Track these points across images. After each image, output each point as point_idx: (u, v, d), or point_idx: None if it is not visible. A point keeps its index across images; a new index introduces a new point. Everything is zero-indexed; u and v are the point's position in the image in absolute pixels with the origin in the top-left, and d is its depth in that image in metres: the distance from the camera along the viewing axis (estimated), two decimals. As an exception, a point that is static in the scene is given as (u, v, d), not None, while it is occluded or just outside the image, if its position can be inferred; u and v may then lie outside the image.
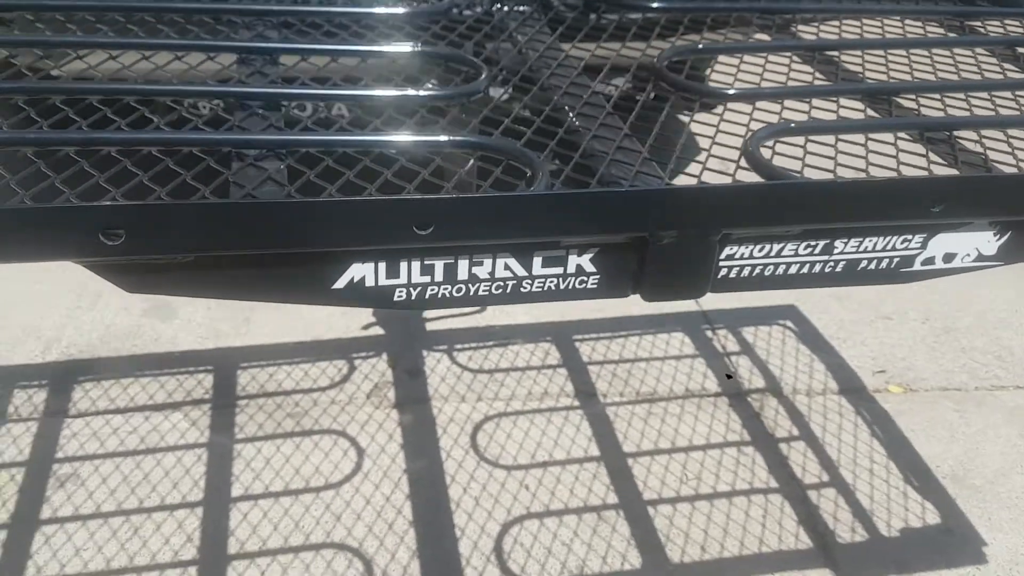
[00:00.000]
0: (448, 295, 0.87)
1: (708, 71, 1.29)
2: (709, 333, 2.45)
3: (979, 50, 1.42)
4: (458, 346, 2.33)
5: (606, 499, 1.92)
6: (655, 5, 1.50)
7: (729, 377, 2.28)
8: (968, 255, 1.00)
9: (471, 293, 0.87)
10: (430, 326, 2.39)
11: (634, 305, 2.48)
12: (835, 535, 1.87)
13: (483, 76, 1.17)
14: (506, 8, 1.50)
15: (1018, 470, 2.06)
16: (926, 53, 1.39)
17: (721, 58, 1.34)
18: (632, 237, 0.89)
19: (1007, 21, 1.60)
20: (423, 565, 1.75)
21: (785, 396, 2.24)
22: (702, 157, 1.00)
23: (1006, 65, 1.41)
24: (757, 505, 1.93)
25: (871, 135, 1.08)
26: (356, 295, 0.83)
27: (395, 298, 0.85)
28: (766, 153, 1.00)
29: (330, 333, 2.33)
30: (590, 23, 1.45)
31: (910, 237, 0.97)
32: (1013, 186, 0.96)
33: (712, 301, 2.52)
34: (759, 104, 1.12)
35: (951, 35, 1.50)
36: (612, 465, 2.00)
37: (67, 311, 2.35)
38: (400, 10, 1.43)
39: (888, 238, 0.96)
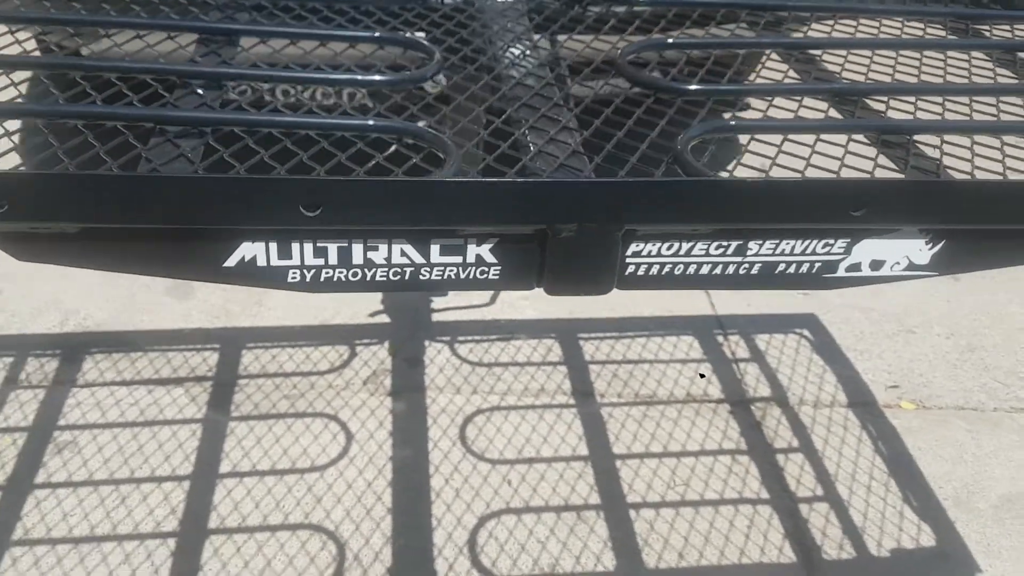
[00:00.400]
0: (344, 279, 0.87)
1: (683, 66, 1.27)
2: (720, 338, 2.41)
3: (974, 53, 1.36)
4: (461, 338, 2.33)
5: (588, 499, 1.90)
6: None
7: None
8: (898, 263, 0.96)
9: (367, 278, 0.87)
10: (436, 317, 2.40)
11: (645, 305, 2.46)
12: (822, 551, 1.82)
13: (433, 63, 1.17)
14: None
15: (1027, 497, 1.97)
16: (914, 55, 1.34)
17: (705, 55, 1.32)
18: (533, 229, 0.88)
19: (1015, 25, 1.53)
20: (395, 552, 1.76)
21: (790, 406, 2.18)
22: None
23: (1000, 70, 1.35)
24: (743, 515, 1.88)
25: (824, 136, 1.05)
26: (248, 274, 0.84)
27: (288, 279, 0.85)
28: (700, 150, 0.97)
29: (337, 319, 2.36)
30: (568, 15, 1.44)
31: (832, 241, 0.93)
32: (941, 193, 0.91)
33: (727, 305, 2.48)
34: (720, 101, 1.10)
35: (946, 37, 1.44)
36: (599, 466, 1.98)
37: (90, 286, 2.42)
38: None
39: (807, 241, 0.92)
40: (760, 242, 0.92)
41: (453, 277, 0.89)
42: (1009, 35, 1.49)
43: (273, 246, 0.83)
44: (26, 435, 1.96)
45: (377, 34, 1.26)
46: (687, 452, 2.03)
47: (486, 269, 0.90)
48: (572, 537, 1.81)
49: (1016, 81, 1.26)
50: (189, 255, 0.83)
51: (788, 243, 0.92)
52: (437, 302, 2.43)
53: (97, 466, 1.89)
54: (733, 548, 1.81)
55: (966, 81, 1.22)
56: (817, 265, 0.94)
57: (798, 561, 1.79)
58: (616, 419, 2.11)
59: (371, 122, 0.96)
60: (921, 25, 1.50)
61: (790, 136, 1.04)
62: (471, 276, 0.90)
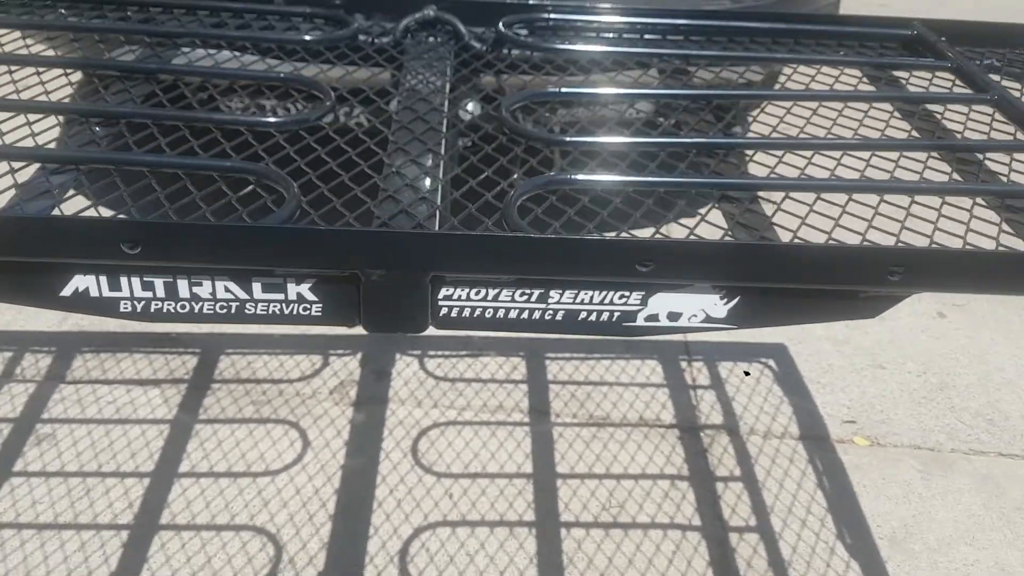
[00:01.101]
0: (173, 311, 0.97)
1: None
2: (684, 364, 2.45)
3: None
4: (432, 352, 2.43)
5: (523, 516, 1.97)
6: (560, 47, 1.55)
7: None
8: (695, 316, 1.01)
9: (195, 311, 0.97)
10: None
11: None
12: (744, 581, 1.86)
13: (326, 104, 1.26)
14: (414, 38, 1.59)
15: (966, 540, 1.97)
16: (810, 106, 1.38)
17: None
18: (347, 272, 0.96)
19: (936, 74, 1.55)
20: (329, 557, 1.86)
21: (739, 436, 2.21)
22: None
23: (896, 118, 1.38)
24: (671, 540, 1.93)
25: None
26: (83, 304, 0.94)
27: (121, 309, 0.96)
28: (527, 204, 1.04)
29: (316, 328, 2.48)
30: (483, 59, 1.52)
31: (627, 294, 0.99)
32: (724, 253, 0.97)
33: (704, 336, 2.52)
34: (591, 152, 1.17)
35: (844, 87, 1.48)
36: (540, 483, 2.05)
37: (92, 287, 2.59)
38: (306, 36, 1.54)
39: (604, 292, 0.99)
40: (560, 291, 0.99)
41: (277, 312, 0.98)
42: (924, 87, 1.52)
43: (103, 279, 0.94)
44: (11, 426, 2.13)
45: (282, 75, 1.36)
46: (628, 475, 2.09)
47: (308, 306, 0.99)
48: (500, 552, 1.89)
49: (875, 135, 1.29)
50: (28, 285, 0.94)
51: (586, 293, 0.99)
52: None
53: (69, 459, 2.04)
54: (655, 572, 1.86)
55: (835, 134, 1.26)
56: (616, 314, 1.00)
57: (717, 589, 1.84)
58: (566, 439, 2.18)
59: (227, 163, 1.06)
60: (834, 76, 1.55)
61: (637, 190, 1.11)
62: (294, 312, 0.99)
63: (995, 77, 1.51)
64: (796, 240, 1.00)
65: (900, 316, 2.66)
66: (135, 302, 0.96)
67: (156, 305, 0.96)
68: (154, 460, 2.05)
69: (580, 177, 1.08)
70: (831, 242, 1.00)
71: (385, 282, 0.96)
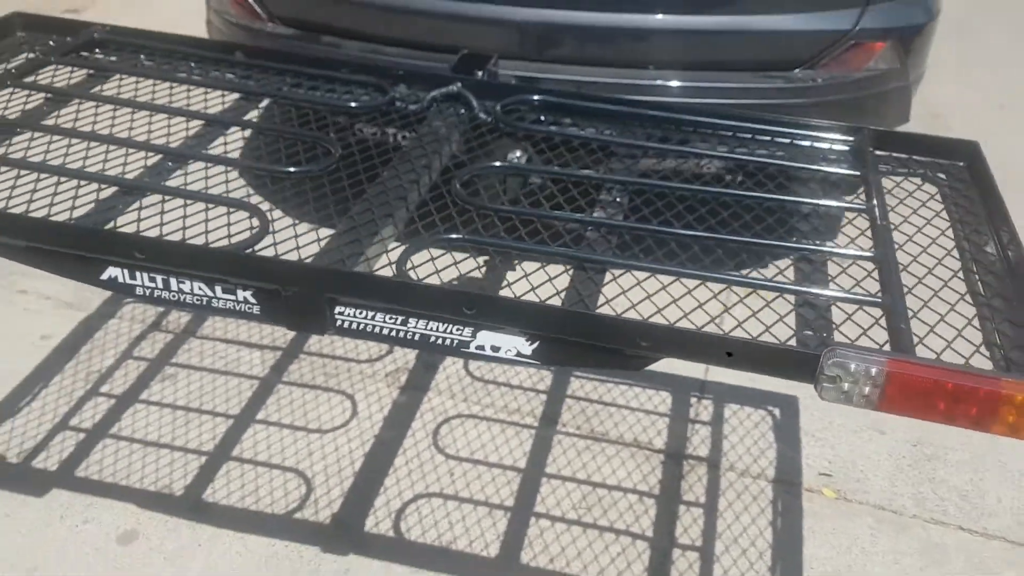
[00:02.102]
0: (169, 298, 1.48)
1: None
2: (694, 400, 2.74)
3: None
4: (477, 357, 2.87)
5: (504, 501, 2.38)
6: (533, 127, 1.95)
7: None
8: (511, 350, 1.39)
9: (181, 300, 1.47)
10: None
11: (642, 360, 2.85)
12: (670, 589, 2.17)
13: (332, 159, 1.75)
14: (437, 108, 2.04)
15: (889, 596, 2.17)
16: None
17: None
18: (272, 286, 1.43)
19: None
20: (344, 503, 2.35)
21: (717, 469, 2.50)
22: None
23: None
24: (620, 544, 2.27)
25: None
26: (112, 286, 1.47)
27: (136, 292, 1.48)
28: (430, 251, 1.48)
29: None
30: (483, 132, 1.95)
31: (462, 328, 1.39)
32: (523, 309, 1.34)
33: (720, 373, 2.80)
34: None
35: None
36: (527, 478, 2.44)
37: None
38: (351, 103, 2.03)
39: (447, 325, 1.40)
40: (416, 320, 1.41)
41: (231, 308, 1.47)
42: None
43: (125, 272, 1.46)
44: (148, 364, 2.79)
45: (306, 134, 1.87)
46: (604, 484, 2.44)
47: (251, 306, 1.47)
48: (476, 525, 2.30)
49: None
50: (82, 270, 1.48)
51: (433, 324, 1.40)
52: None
53: (181, 396, 2.67)
54: (597, 566, 2.21)
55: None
56: (455, 341, 1.41)
57: (645, 590, 2.16)
58: (562, 446, 2.56)
59: (226, 197, 1.57)
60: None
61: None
62: (241, 310, 1.47)
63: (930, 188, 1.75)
64: (577, 308, 1.37)
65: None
66: (145, 288, 1.48)
67: (158, 293, 1.48)
68: (240, 406, 2.64)
69: (453, 236, 1.50)
70: (605, 312, 1.36)
71: (295, 296, 1.42)
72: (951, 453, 2.59)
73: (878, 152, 1.91)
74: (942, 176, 1.84)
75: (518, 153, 2.14)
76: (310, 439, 2.54)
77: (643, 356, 1.35)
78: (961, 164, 1.87)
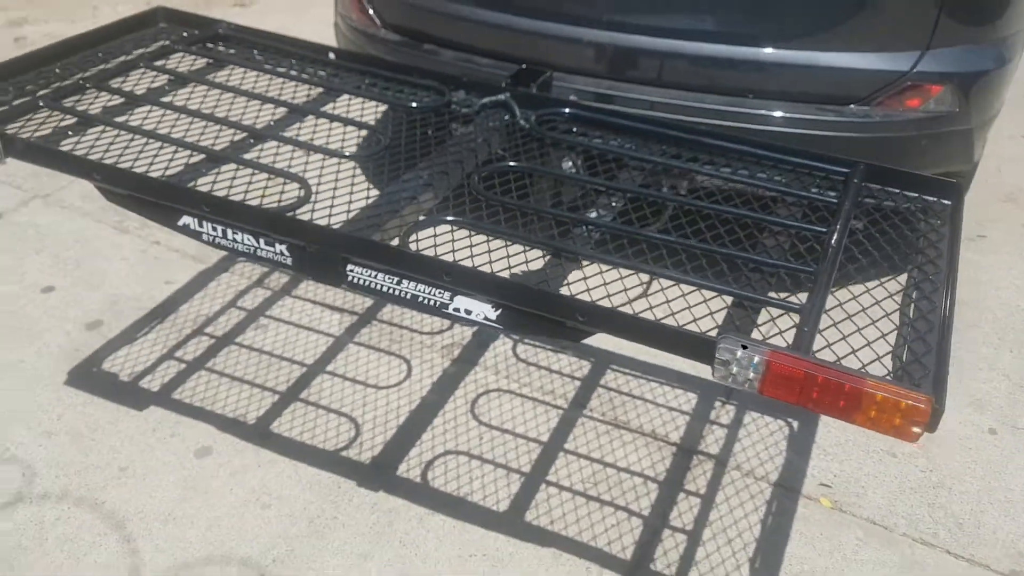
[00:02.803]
0: (226, 245, 1.85)
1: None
2: (718, 404, 2.94)
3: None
4: (526, 341, 3.17)
5: (520, 467, 2.66)
6: (577, 139, 2.23)
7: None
8: (480, 314, 1.69)
9: (235, 248, 1.85)
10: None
11: (679, 361, 3.06)
12: (652, 563, 2.39)
13: (384, 142, 2.10)
14: (485, 113, 2.35)
15: (856, 599, 2.31)
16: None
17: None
18: (301, 243, 1.78)
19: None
20: (384, 449, 2.70)
21: (723, 466, 2.69)
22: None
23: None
24: (616, 518, 2.51)
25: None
26: (187, 232, 1.87)
27: (203, 238, 1.86)
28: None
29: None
30: (517, 132, 2.25)
31: (442, 292, 1.70)
32: (485, 280, 1.63)
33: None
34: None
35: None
36: (545, 451, 2.72)
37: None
38: (412, 103, 2.37)
39: (430, 288, 1.70)
40: (408, 281, 1.72)
41: (271, 258, 1.83)
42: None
43: (195, 220, 1.85)
44: (246, 315, 3.23)
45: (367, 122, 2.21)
46: (613, 465, 2.68)
47: (285, 258, 1.82)
48: (492, 484, 2.60)
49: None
50: (165, 215, 1.88)
51: (420, 287, 1.71)
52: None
53: (266, 342, 3.10)
54: (590, 533, 2.47)
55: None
56: (438, 302, 1.71)
57: (627, 559, 2.40)
58: (584, 428, 2.81)
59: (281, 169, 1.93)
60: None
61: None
62: (279, 260, 1.83)
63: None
64: (530, 284, 1.65)
65: (950, 423, 2.89)
66: (209, 235, 1.86)
67: (218, 240, 1.86)
68: (314, 357, 3.04)
69: (450, 218, 1.80)
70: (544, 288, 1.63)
71: (318, 253, 1.77)
72: (959, 483, 2.68)
73: (871, 184, 2.07)
74: (923, 211, 2.00)
75: (568, 163, 2.43)
76: (366, 392, 2.91)
77: (581, 329, 1.61)
78: (946, 202, 2.02)
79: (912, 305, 1.70)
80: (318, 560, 2.36)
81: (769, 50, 2.83)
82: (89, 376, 2.93)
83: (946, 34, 2.84)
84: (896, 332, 1.64)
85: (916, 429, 1.37)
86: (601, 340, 3.10)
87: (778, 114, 2.86)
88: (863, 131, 2.88)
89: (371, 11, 3.41)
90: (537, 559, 2.39)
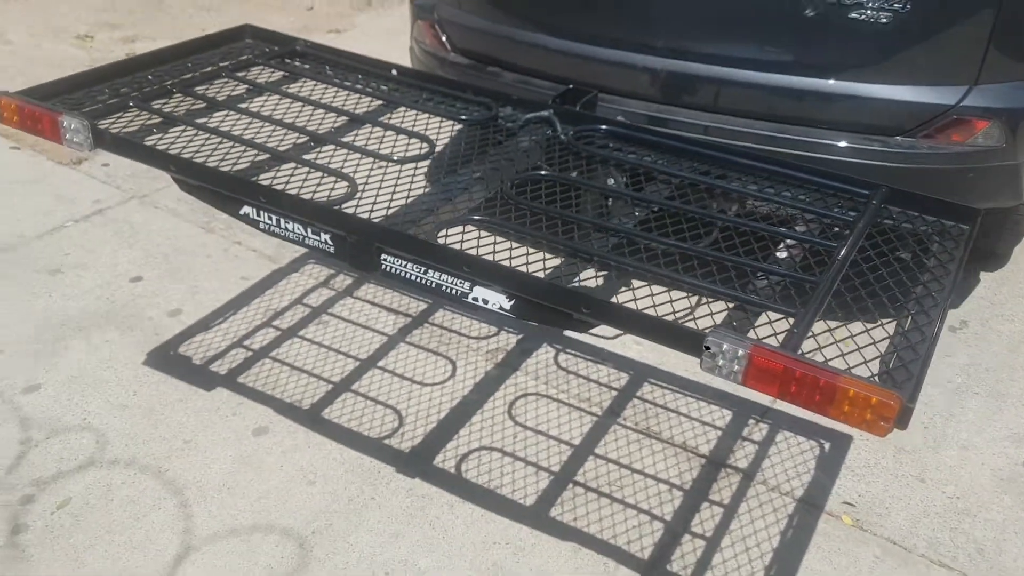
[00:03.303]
0: (279, 233, 2.05)
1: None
2: (752, 421, 3.01)
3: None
4: (568, 350, 3.30)
5: (551, 467, 2.79)
6: (598, 151, 2.38)
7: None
8: (496, 304, 1.84)
9: (286, 236, 2.05)
10: (569, 334, 3.39)
11: (717, 379, 3.15)
12: (669, 564, 2.49)
13: (431, 150, 2.29)
14: (530, 126, 2.52)
15: (866, 614, 2.35)
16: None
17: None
18: (341, 232, 1.97)
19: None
20: (424, 441, 2.87)
21: (750, 480, 2.76)
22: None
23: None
24: (639, 519, 2.61)
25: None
26: (247, 220, 2.08)
27: (260, 227, 2.07)
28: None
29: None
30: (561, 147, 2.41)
31: (462, 282, 1.86)
32: (500, 271, 1.78)
33: (783, 403, 3.05)
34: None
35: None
36: (576, 453, 2.84)
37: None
38: (462, 116, 2.56)
39: (452, 278, 1.87)
40: (436, 272, 1.89)
41: (317, 246, 2.02)
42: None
43: (253, 210, 2.06)
44: (309, 311, 3.46)
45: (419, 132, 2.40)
46: (641, 471, 2.78)
47: (328, 246, 2.01)
48: (521, 480, 2.74)
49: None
50: (230, 204, 2.10)
51: (445, 276, 1.88)
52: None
53: (324, 336, 3.31)
54: (611, 532, 2.57)
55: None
56: (459, 291, 1.87)
57: (645, 560, 2.50)
58: (616, 435, 2.92)
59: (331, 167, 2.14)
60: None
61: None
62: (323, 248, 2.02)
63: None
64: (550, 278, 1.79)
65: (982, 451, 2.89)
66: (265, 224, 2.07)
67: (272, 229, 2.06)
68: (367, 353, 3.24)
69: (476, 217, 1.97)
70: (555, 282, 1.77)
71: (356, 242, 1.95)
72: (985, 511, 2.68)
73: (893, 207, 2.15)
74: (939, 233, 2.07)
75: (611, 180, 2.58)
76: (412, 387, 3.09)
77: (586, 320, 1.75)
78: (964, 227, 2.08)
79: (910, 318, 1.78)
80: (353, 535, 2.53)
81: (816, 80, 2.93)
82: (165, 358, 3.19)
83: (994, 70, 2.89)
84: (889, 340, 1.72)
85: (884, 424, 1.45)
86: (640, 354, 3.23)
87: (825, 142, 2.94)
88: (908, 162, 2.94)
89: (443, 36, 3.63)
90: (557, 551, 2.51)
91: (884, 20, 2.80)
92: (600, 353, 3.30)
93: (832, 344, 1.75)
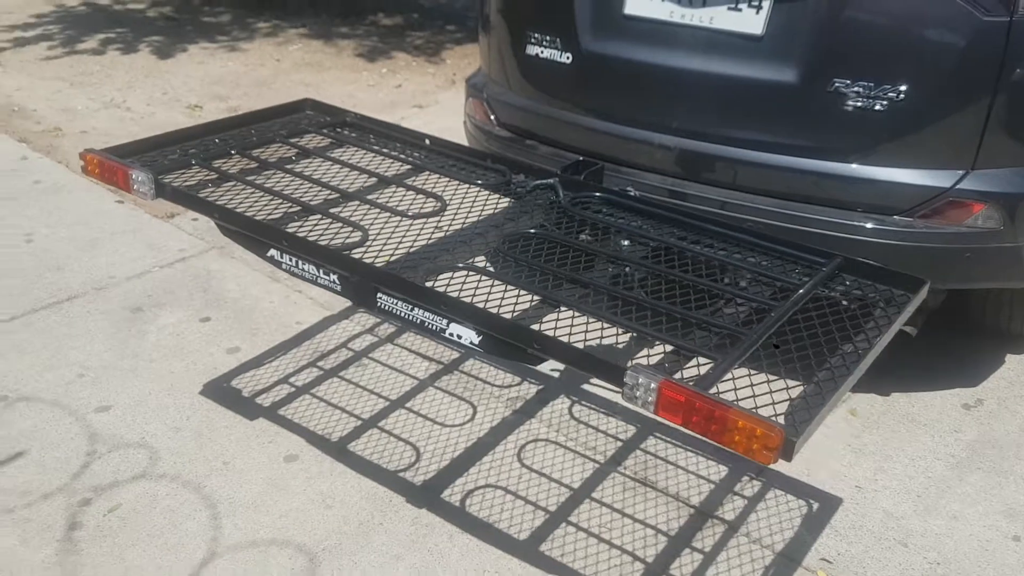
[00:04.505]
0: (298, 272, 2.39)
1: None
2: (747, 478, 3.16)
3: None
4: (584, 403, 3.52)
5: (547, 506, 3.00)
6: (588, 215, 2.66)
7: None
8: (467, 338, 2.11)
9: (303, 275, 2.38)
10: (586, 387, 3.62)
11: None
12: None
13: (443, 208, 2.62)
14: (535, 192, 2.83)
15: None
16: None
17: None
18: (350, 274, 2.30)
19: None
20: (437, 475, 3.13)
21: (733, 531, 2.91)
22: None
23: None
24: (621, 559, 2.79)
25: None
26: (273, 261, 2.43)
27: (283, 267, 2.42)
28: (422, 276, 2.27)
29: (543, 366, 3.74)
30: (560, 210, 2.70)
31: (440, 319, 2.14)
32: (466, 310, 2.06)
33: (783, 465, 3.20)
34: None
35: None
36: (573, 496, 3.05)
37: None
38: (479, 181, 2.88)
39: (432, 315, 2.16)
40: (420, 310, 2.18)
41: (327, 284, 2.35)
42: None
43: (278, 252, 2.41)
44: (352, 354, 3.80)
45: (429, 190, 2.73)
46: (631, 516, 2.96)
47: (335, 284, 2.34)
48: (519, 517, 2.96)
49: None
50: (257, 247, 2.45)
51: (428, 314, 2.17)
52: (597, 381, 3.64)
53: (364, 378, 3.63)
54: (594, 569, 2.76)
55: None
56: (438, 327, 2.16)
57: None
58: (615, 481, 3.12)
59: (342, 216, 2.47)
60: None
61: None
62: (331, 286, 2.34)
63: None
64: (510, 317, 2.06)
65: (973, 523, 2.96)
66: (287, 265, 2.41)
67: (293, 269, 2.40)
68: (398, 394, 3.54)
69: (460, 265, 2.26)
70: (518, 320, 2.04)
71: (357, 282, 2.27)
72: (964, 579, 2.76)
73: (848, 275, 2.35)
74: (885, 300, 2.25)
75: (625, 242, 2.85)
76: (433, 427, 3.37)
77: (538, 355, 2.01)
78: (909, 295, 2.26)
79: (830, 368, 1.97)
80: (359, 555, 2.80)
81: (817, 161, 3.14)
82: (219, 389, 3.57)
83: (991, 155, 3.04)
84: (801, 386, 1.91)
85: (768, 453, 1.65)
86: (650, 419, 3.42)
87: (825, 219, 3.13)
88: (905, 240, 3.10)
89: (490, 112, 4.00)
90: (541, 582, 2.72)
91: (879, 108, 3.01)
92: (614, 407, 3.51)
93: (747, 387, 1.95)
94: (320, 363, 3.74)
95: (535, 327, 2.04)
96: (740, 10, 3.21)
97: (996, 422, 3.53)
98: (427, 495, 3.05)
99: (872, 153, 3.11)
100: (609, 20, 3.47)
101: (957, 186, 3.05)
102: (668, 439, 3.34)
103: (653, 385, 1.76)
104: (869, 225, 3.12)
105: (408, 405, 3.49)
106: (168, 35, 8.96)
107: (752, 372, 2.08)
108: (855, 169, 3.13)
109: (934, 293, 3.50)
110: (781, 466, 3.19)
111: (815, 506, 3.04)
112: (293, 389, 3.57)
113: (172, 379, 3.62)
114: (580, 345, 1.97)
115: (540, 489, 3.08)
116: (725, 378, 1.89)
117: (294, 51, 8.62)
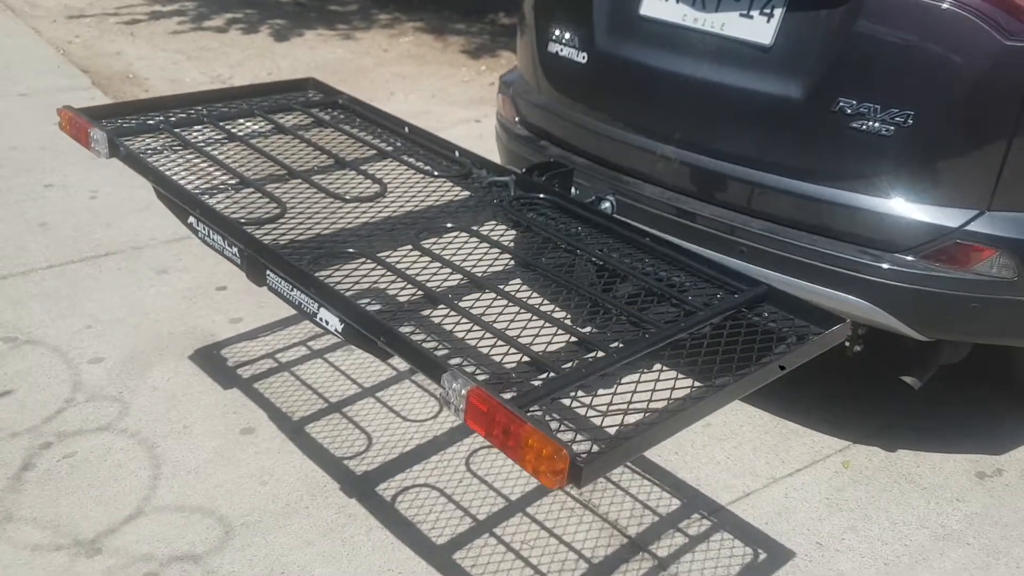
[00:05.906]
0: (207, 240, 2.40)
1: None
2: (697, 516, 2.94)
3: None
4: (554, 415, 3.38)
5: (476, 514, 2.90)
6: (528, 217, 2.55)
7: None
8: (333, 325, 2.05)
9: (211, 244, 2.38)
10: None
11: (681, 469, 3.12)
12: None
13: (381, 194, 2.57)
14: (487, 188, 2.73)
15: None
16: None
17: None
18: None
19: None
20: (377, 467, 3.08)
21: (662, 568, 2.71)
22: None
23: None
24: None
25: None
26: (192, 228, 2.44)
27: (198, 234, 2.43)
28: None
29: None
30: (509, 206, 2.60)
31: (312, 302, 2.09)
32: (328, 294, 1.99)
33: (740, 507, 2.97)
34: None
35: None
36: (508, 507, 2.92)
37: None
38: (435, 171, 2.81)
39: (307, 298, 2.10)
40: (295, 290, 2.14)
41: (230, 256, 2.34)
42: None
43: (195, 220, 2.42)
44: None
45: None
46: (559, 537, 2.81)
47: (235, 256, 2.32)
48: (445, 520, 2.86)
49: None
50: (182, 213, 2.47)
51: (303, 296, 2.12)
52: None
53: (347, 364, 3.63)
54: (498, 584, 2.64)
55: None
56: (311, 310, 2.10)
57: None
58: (555, 500, 2.97)
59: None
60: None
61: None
62: (233, 258, 2.33)
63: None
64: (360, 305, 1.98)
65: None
66: (201, 233, 2.42)
67: (205, 238, 2.41)
68: (373, 383, 3.51)
69: (351, 250, 2.19)
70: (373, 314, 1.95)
71: (249, 256, 2.25)
72: (902, 663, 2.46)
73: (770, 306, 2.14)
74: (798, 336, 2.03)
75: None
76: (394, 419, 3.32)
77: (386, 349, 1.93)
78: (819, 330, 2.04)
79: (686, 399, 1.79)
80: (273, 535, 2.79)
81: (813, 185, 2.90)
82: (208, 355, 3.65)
83: (1009, 194, 2.72)
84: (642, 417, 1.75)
85: (555, 477, 1.50)
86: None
87: (818, 249, 2.89)
88: (902, 280, 2.82)
89: (514, 108, 3.92)
90: (440, 590, 2.62)
91: (885, 132, 2.74)
92: (583, 423, 3.35)
93: (601, 414, 1.80)
94: (310, 343, 3.76)
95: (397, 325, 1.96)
96: (752, 17, 3.01)
97: (1010, 496, 3.15)
98: (361, 486, 3.00)
99: (875, 181, 2.83)
100: (625, 20, 3.33)
101: (966, 227, 2.74)
102: (629, 465, 3.16)
103: (464, 391, 1.65)
104: (862, 260, 2.85)
105: (379, 395, 3.46)
106: (291, 19, 9.32)
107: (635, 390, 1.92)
108: (853, 198, 2.86)
109: (954, 346, 3.16)
110: (741, 508, 2.96)
111: (761, 557, 2.80)
112: (275, 365, 3.61)
113: (168, 340, 3.72)
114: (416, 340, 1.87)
115: (476, 496, 2.98)
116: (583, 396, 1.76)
117: (404, 43, 8.78)
